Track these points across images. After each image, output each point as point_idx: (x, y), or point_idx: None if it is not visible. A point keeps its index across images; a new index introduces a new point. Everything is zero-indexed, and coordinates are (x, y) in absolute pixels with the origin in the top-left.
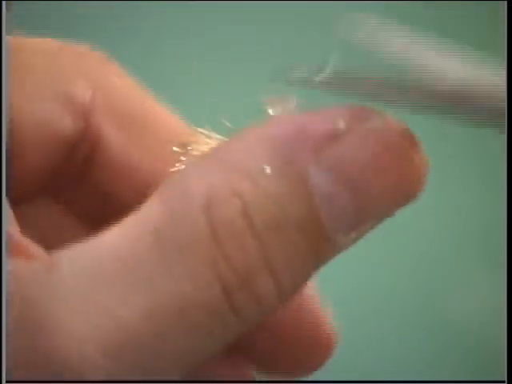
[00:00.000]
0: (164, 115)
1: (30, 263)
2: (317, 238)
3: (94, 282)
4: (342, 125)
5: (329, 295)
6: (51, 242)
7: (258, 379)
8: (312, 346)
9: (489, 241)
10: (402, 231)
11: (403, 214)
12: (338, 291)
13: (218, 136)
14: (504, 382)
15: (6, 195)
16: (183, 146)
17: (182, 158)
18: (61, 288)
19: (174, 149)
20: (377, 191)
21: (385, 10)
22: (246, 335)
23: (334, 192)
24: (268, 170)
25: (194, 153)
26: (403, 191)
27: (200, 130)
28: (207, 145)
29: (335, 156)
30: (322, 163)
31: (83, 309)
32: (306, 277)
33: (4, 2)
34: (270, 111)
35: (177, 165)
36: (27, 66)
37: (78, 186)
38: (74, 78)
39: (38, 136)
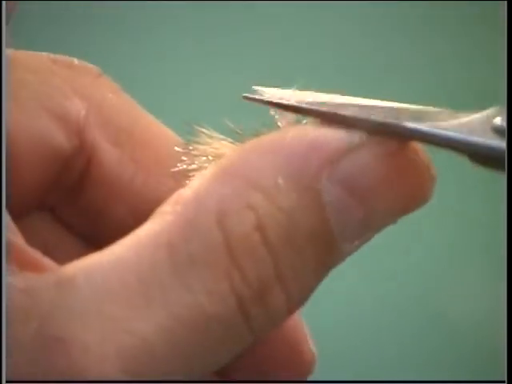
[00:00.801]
0: (158, 130)
1: (41, 276)
2: (327, 249)
3: (109, 297)
4: (354, 140)
5: (326, 295)
6: (47, 256)
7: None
8: (290, 363)
9: (485, 240)
10: (399, 231)
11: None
12: (335, 291)
13: (219, 136)
14: (504, 382)
15: (6, 208)
16: (185, 145)
17: (184, 158)
18: (76, 303)
19: (176, 148)
20: (385, 204)
21: (385, 11)
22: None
23: (344, 204)
24: (281, 182)
25: (196, 153)
26: (410, 203)
27: (201, 129)
28: (209, 145)
29: (347, 170)
30: (334, 176)
31: (100, 324)
32: (314, 288)
33: (4, 3)
34: (271, 111)
35: (178, 164)
36: (22, 83)
37: (72, 200)
38: (69, 94)
39: (33, 152)
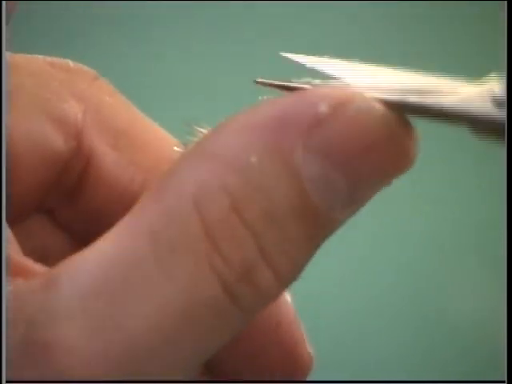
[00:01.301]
0: (155, 132)
1: (28, 282)
2: (311, 221)
3: (93, 294)
4: (325, 109)
5: (327, 293)
6: (45, 259)
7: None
8: (288, 366)
9: (486, 238)
10: (400, 229)
11: (401, 213)
12: (336, 290)
13: None
14: (504, 382)
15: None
16: (184, 145)
17: None
18: (61, 303)
19: (175, 148)
20: (367, 168)
21: (385, 11)
22: (221, 352)
23: (323, 174)
24: (254, 160)
25: None
26: (394, 165)
27: (200, 129)
28: None
29: (321, 140)
30: (309, 148)
31: (85, 323)
32: (305, 261)
33: (4, 3)
34: None
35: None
36: (19, 86)
37: (71, 203)
38: (66, 97)
39: (31, 155)
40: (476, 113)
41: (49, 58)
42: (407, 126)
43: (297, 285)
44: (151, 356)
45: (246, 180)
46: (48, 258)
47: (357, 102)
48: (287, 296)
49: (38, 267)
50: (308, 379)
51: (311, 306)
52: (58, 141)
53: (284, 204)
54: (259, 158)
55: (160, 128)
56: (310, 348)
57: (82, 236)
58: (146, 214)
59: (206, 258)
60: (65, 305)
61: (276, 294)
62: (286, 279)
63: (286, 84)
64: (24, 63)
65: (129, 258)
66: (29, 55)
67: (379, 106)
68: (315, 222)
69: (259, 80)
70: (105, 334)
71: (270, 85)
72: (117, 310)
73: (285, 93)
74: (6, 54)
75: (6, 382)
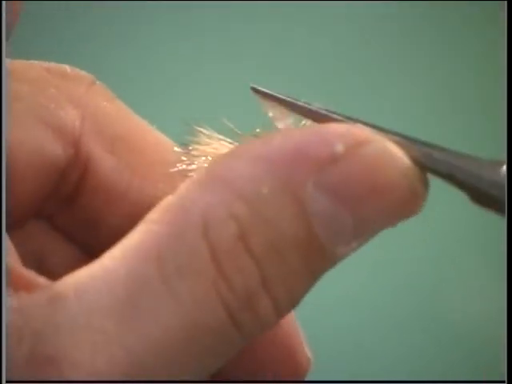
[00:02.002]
0: (153, 136)
1: (33, 295)
2: (315, 256)
3: (99, 311)
4: (340, 149)
5: (332, 295)
6: (44, 262)
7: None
8: (285, 369)
9: (491, 240)
10: (403, 232)
11: None
12: (341, 293)
13: (219, 136)
14: (504, 382)
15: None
16: (184, 146)
17: (183, 158)
18: (67, 319)
19: (176, 149)
20: (376, 209)
21: (385, 11)
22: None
23: (331, 211)
24: (264, 191)
25: (195, 153)
26: (403, 209)
27: (200, 130)
28: (208, 145)
29: (333, 178)
30: (320, 185)
31: (90, 339)
32: (303, 292)
33: (4, 2)
34: (270, 113)
35: (178, 165)
36: (16, 94)
37: (69, 209)
38: (63, 104)
39: (29, 163)
40: (482, 175)
41: (45, 64)
42: (421, 172)
43: None
44: (153, 374)
45: (255, 211)
46: (47, 262)
47: (373, 144)
48: None
49: (41, 279)
50: (312, 379)
51: (314, 313)
52: (55, 149)
53: (289, 237)
54: (269, 190)
55: (157, 132)
56: (308, 351)
57: (81, 240)
58: (154, 235)
59: (212, 283)
60: (72, 320)
61: (273, 322)
62: (284, 309)
63: (283, 98)
64: (20, 69)
65: (136, 279)
66: (25, 61)
67: (395, 150)
68: (318, 257)
69: (256, 87)
70: (110, 350)
71: (266, 95)
72: (122, 329)
73: (279, 107)
74: (6, 62)
75: (6, 381)
